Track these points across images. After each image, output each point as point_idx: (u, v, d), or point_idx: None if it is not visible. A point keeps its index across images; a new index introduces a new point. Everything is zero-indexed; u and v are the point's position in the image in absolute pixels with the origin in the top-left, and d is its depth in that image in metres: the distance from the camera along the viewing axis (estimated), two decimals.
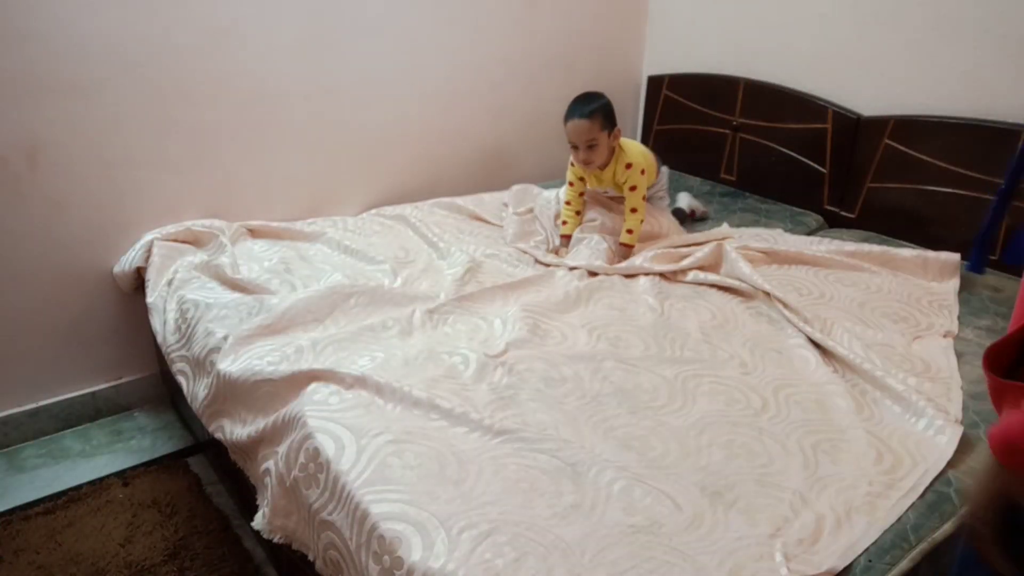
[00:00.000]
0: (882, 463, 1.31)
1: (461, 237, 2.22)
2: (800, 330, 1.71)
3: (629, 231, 2.14)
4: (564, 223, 2.25)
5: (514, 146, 2.86)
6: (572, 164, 2.19)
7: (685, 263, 2.02)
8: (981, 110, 2.13)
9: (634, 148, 2.18)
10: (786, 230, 2.37)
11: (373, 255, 2.05)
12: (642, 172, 2.13)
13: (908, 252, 2.09)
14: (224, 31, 2.05)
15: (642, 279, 1.97)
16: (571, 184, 2.24)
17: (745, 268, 1.93)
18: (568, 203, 2.25)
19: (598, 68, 2.98)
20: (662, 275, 2.00)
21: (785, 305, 1.80)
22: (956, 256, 2.04)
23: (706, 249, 2.04)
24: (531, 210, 2.38)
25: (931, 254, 2.07)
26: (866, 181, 2.41)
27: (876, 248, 2.12)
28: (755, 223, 2.46)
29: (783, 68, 2.61)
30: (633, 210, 2.14)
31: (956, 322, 1.83)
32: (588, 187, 2.26)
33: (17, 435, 2.09)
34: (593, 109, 2.04)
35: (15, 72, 1.79)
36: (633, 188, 2.13)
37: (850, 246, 2.13)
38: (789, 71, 2.60)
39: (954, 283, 2.00)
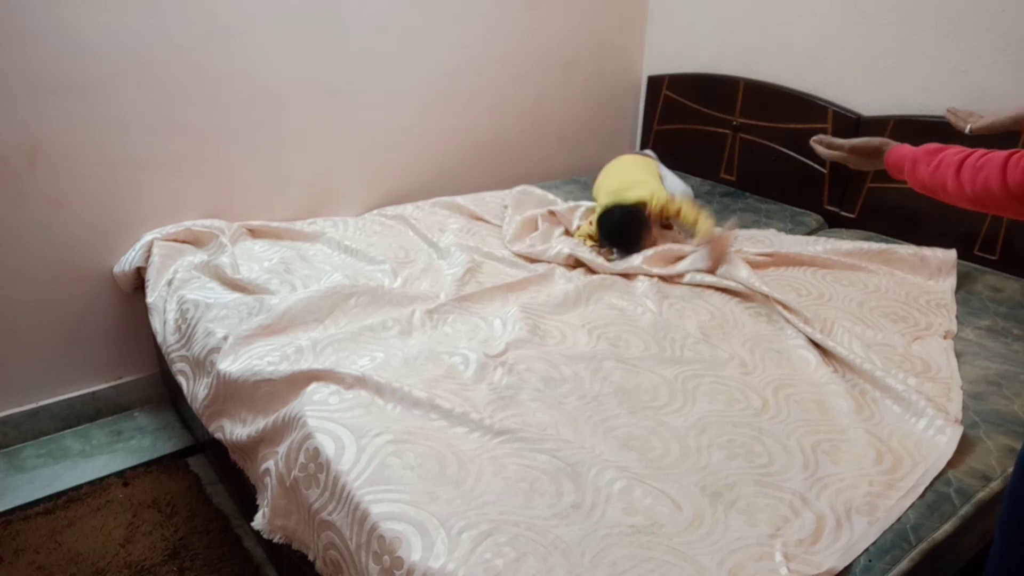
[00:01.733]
0: (882, 463, 1.31)
1: (462, 236, 2.22)
2: (800, 331, 1.71)
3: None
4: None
5: (515, 145, 2.86)
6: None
7: (681, 265, 2.01)
8: (981, 110, 2.13)
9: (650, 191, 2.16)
10: (786, 230, 2.37)
11: (373, 255, 2.05)
12: (674, 212, 2.13)
13: (905, 250, 2.10)
14: (225, 31, 2.05)
15: (641, 280, 1.97)
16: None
17: (743, 271, 1.92)
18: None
19: (598, 68, 2.99)
20: (661, 277, 2.00)
21: (785, 307, 1.80)
22: (952, 252, 2.05)
23: (703, 250, 2.04)
24: (535, 220, 2.32)
25: (927, 251, 2.07)
26: (866, 181, 2.41)
27: (874, 246, 2.12)
28: (755, 223, 2.46)
29: (783, 68, 2.61)
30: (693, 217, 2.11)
31: (954, 321, 1.83)
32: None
33: (17, 435, 2.09)
34: (635, 237, 2.07)
35: (15, 71, 1.79)
36: (677, 213, 2.12)
37: (847, 245, 2.13)
38: (789, 71, 2.60)
39: (951, 281, 2.00)
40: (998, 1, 2.05)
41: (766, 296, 1.85)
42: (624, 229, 2.10)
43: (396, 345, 1.60)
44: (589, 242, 2.19)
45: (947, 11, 2.16)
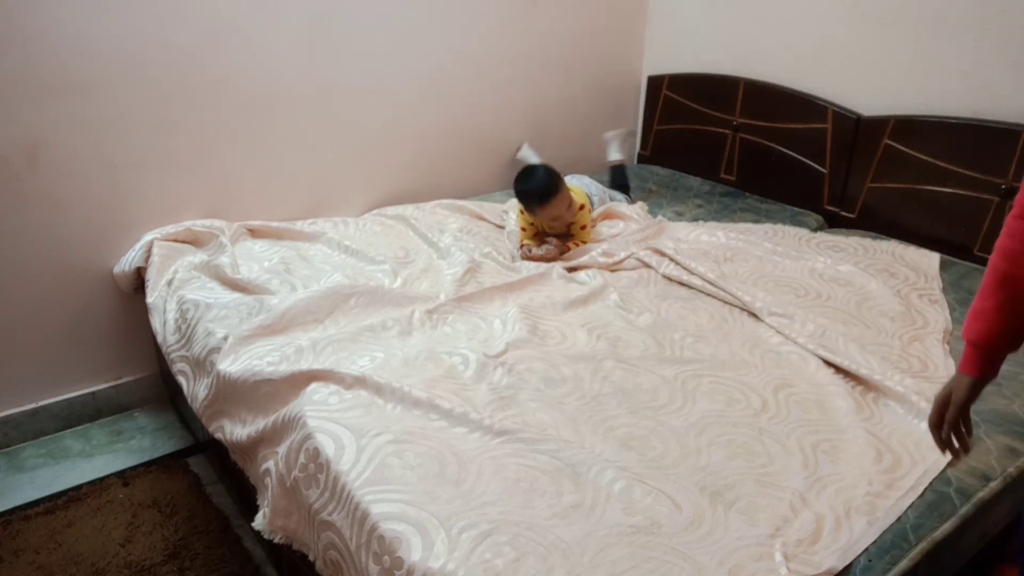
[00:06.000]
0: (881, 462, 1.31)
1: (462, 237, 2.22)
2: (795, 342, 1.70)
3: (575, 244, 2.22)
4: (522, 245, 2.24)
5: (515, 145, 2.86)
6: (524, 225, 2.25)
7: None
8: (981, 110, 2.13)
9: (576, 188, 2.27)
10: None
11: (373, 255, 2.05)
12: (581, 207, 2.22)
13: (886, 245, 2.15)
14: (224, 31, 2.05)
15: (644, 279, 1.98)
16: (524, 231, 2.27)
17: (739, 291, 1.92)
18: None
19: (598, 68, 2.99)
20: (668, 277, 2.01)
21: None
22: (935, 256, 2.11)
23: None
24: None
25: (909, 251, 2.14)
26: (866, 181, 2.41)
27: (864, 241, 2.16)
28: (755, 223, 2.45)
29: (783, 68, 2.61)
30: (579, 243, 2.22)
31: (949, 319, 1.83)
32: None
33: (17, 435, 2.09)
34: (547, 187, 2.08)
35: (15, 72, 1.79)
36: (583, 227, 2.24)
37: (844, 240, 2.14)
38: (789, 71, 2.60)
39: (937, 282, 2.01)
40: (998, 1, 2.05)
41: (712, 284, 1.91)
42: (535, 175, 2.12)
43: (396, 345, 1.60)
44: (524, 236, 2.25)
45: (947, 11, 2.16)
